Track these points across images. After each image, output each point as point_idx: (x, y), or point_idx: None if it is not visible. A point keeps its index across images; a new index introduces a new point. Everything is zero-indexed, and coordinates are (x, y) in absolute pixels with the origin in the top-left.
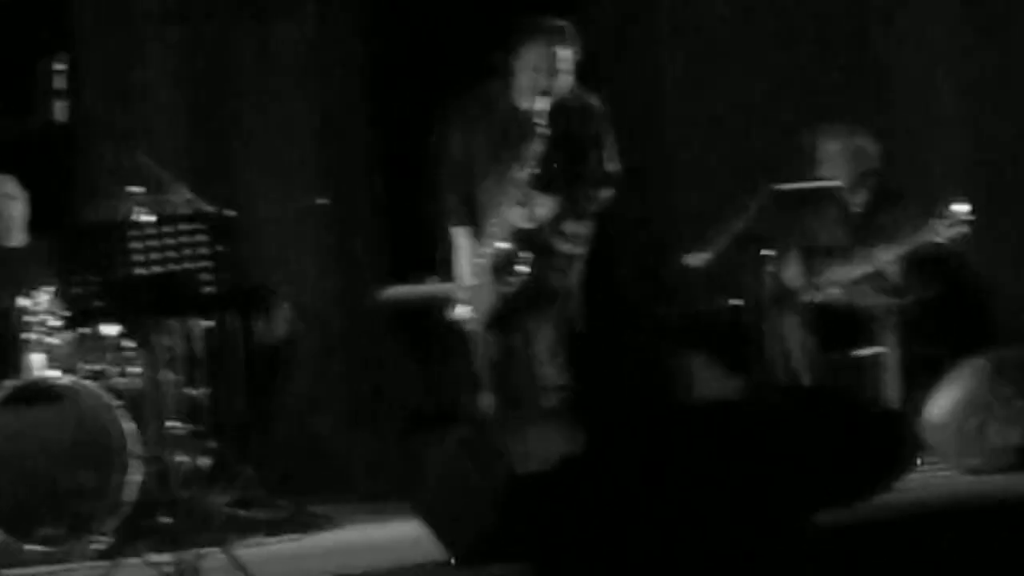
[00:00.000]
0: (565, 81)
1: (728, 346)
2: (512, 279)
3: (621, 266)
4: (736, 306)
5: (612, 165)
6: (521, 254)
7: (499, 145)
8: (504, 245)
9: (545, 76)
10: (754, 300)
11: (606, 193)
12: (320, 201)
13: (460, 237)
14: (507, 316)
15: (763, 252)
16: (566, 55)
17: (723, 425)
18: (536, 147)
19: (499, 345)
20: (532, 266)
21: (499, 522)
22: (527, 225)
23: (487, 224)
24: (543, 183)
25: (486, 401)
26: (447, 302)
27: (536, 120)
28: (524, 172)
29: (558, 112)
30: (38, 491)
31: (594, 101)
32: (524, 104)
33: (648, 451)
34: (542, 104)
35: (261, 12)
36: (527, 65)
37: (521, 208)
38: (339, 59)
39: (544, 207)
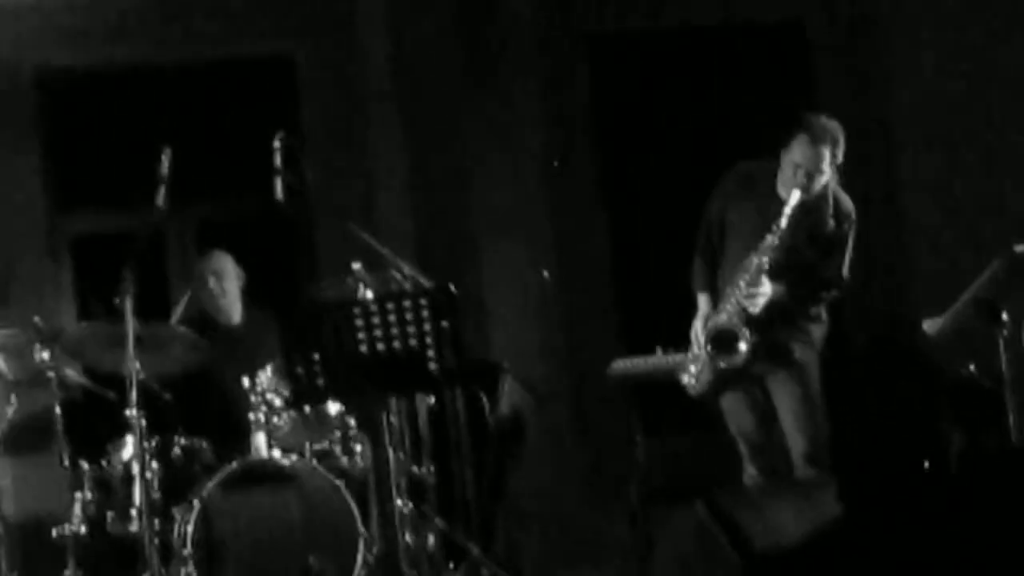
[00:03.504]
0: (823, 180)
1: (969, 413)
2: (730, 358)
3: (859, 334)
4: (975, 372)
5: (846, 269)
6: (744, 334)
7: (752, 223)
8: (727, 323)
9: (804, 172)
10: (994, 366)
11: (832, 295)
12: (545, 274)
13: (702, 301)
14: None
15: (1002, 317)
16: (827, 156)
17: (987, 492)
18: (775, 239)
19: (753, 414)
20: (753, 348)
21: None
22: (750, 308)
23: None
24: (775, 271)
25: (749, 472)
26: (677, 371)
27: (784, 213)
28: (759, 260)
29: (811, 209)
30: (265, 572)
31: (847, 202)
32: (783, 194)
33: (905, 521)
34: (795, 198)
35: (484, 84)
36: (791, 159)
37: (747, 290)
38: (568, 130)
39: (766, 295)
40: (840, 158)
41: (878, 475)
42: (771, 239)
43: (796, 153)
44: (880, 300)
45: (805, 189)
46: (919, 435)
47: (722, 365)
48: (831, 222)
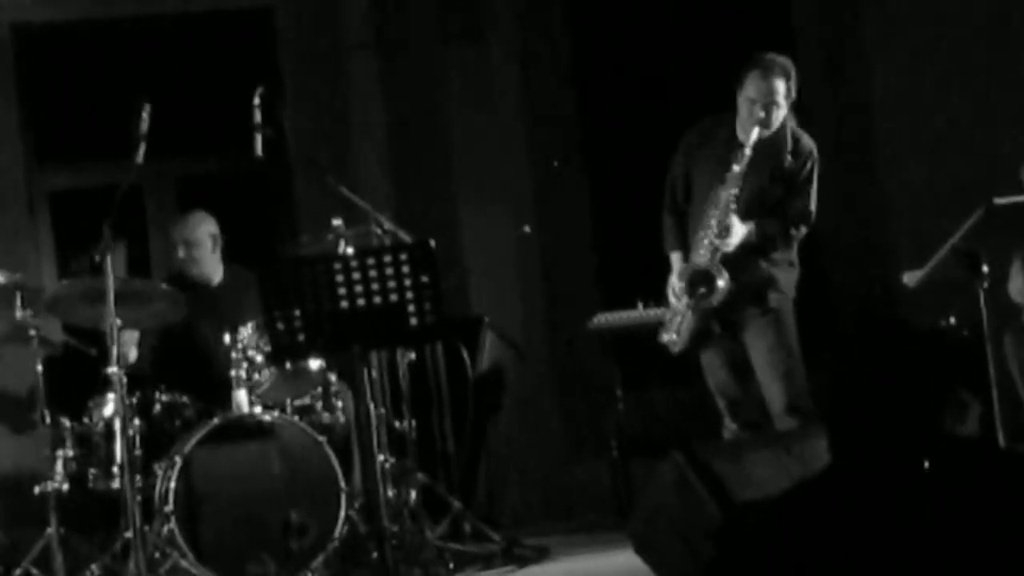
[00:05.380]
0: (780, 115)
1: (948, 367)
2: (709, 297)
3: (836, 286)
4: (954, 325)
5: (812, 205)
6: (720, 271)
7: (714, 174)
8: (702, 264)
9: (761, 107)
10: (973, 318)
11: (800, 232)
12: (527, 229)
13: (674, 260)
14: (711, 337)
15: (982, 268)
16: (781, 88)
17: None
18: (741, 168)
19: (730, 369)
20: (731, 286)
21: (717, 554)
22: (722, 247)
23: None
24: (744, 212)
25: (728, 427)
26: (657, 327)
27: (745, 147)
28: (727, 192)
29: (769, 146)
30: (246, 528)
31: (807, 140)
32: (742, 137)
33: (896, 477)
34: (755, 134)
35: (463, 38)
36: (746, 96)
37: (717, 229)
38: (547, 84)
39: (736, 233)
40: (794, 93)
41: (874, 429)
42: (737, 169)
43: (750, 89)
44: (859, 252)
45: (764, 124)
46: (929, 397)
47: (703, 303)
48: (789, 158)
